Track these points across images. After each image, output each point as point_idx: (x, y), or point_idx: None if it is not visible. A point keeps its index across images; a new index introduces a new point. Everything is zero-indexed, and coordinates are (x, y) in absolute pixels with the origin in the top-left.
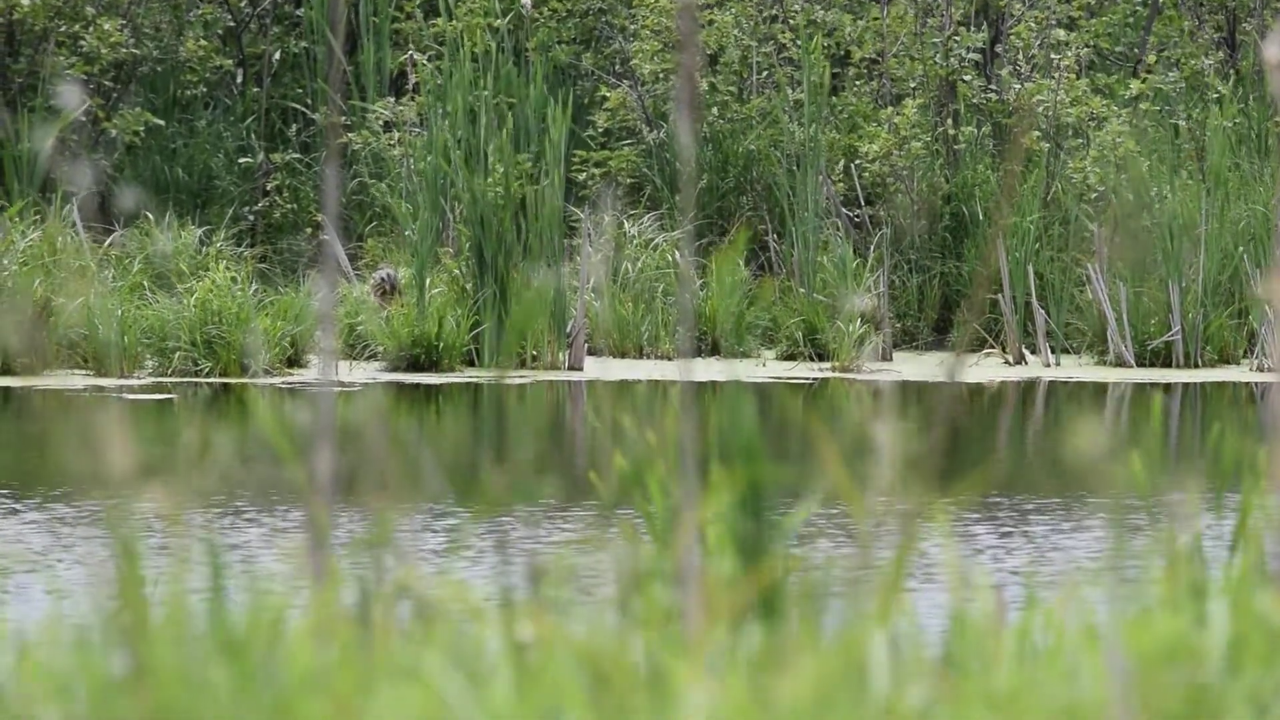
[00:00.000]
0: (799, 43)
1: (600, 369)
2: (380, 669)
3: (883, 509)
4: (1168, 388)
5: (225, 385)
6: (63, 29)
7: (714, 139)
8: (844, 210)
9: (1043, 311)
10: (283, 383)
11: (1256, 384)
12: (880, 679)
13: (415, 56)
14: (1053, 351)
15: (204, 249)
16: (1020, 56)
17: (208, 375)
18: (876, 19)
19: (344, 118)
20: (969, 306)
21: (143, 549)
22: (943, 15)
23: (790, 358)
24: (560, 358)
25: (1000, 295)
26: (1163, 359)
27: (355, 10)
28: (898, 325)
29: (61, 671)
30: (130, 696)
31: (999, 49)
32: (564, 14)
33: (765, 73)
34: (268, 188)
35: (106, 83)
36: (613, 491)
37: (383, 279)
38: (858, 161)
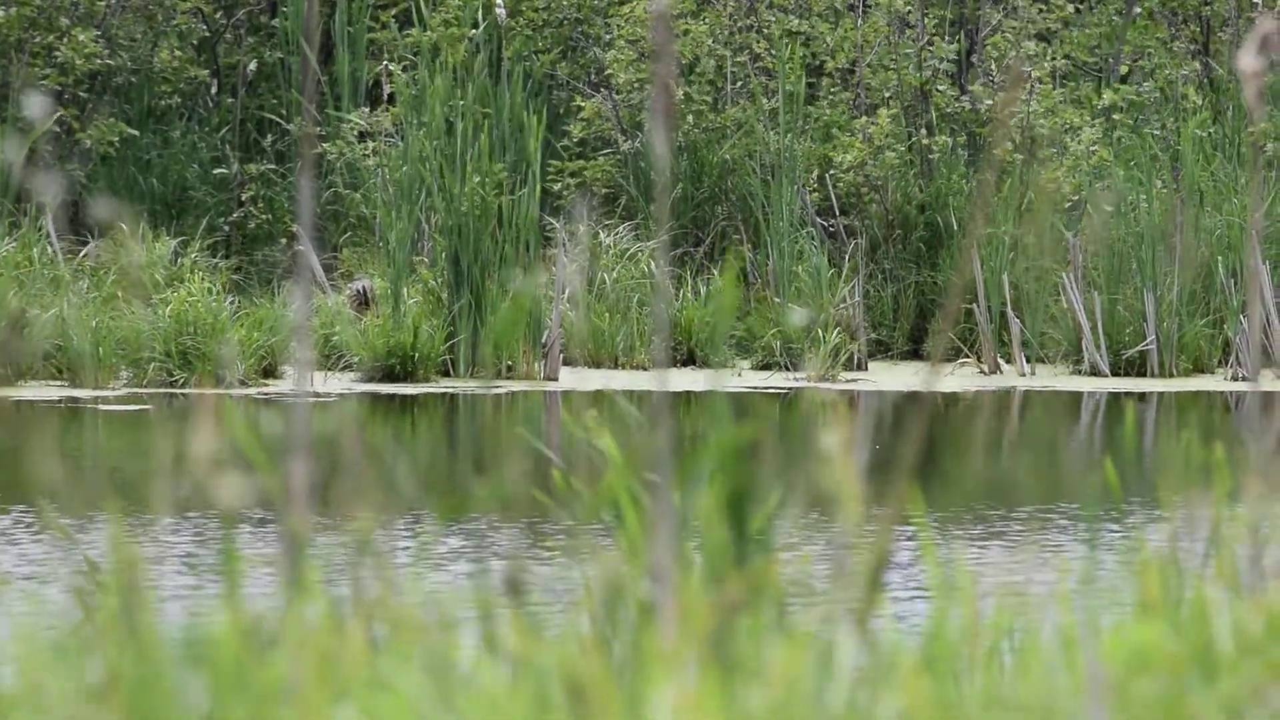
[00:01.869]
0: (774, 52)
1: (576, 379)
2: (354, 679)
3: (859, 516)
4: (1143, 397)
5: (200, 396)
6: (37, 40)
7: (689, 148)
8: (819, 220)
9: (1017, 321)
10: (258, 393)
11: (1231, 393)
12: (853, 685)
13: (390, 67)
14: (1028, 361)
15: (179, 260)
16: (994, 67)
17: (183, 386)
18: (852, 29)
19: (319, 128)
20: (944, 316)
21: (121, 558)
22: (917, 25)
23: (766, 368)
24: (536, 368)
25: (975, 305)
26: (1137, 368)
27: (330, 21)
28: (872, 335)
29: (35, 682)
30: (103, 706)
31: (973, 59)
32: (540, 24)
33: (740, 82)
34: (243, 198)
35: (81, 93)
36: (586, 501)
37: (359, 291)
38: (832, 171)
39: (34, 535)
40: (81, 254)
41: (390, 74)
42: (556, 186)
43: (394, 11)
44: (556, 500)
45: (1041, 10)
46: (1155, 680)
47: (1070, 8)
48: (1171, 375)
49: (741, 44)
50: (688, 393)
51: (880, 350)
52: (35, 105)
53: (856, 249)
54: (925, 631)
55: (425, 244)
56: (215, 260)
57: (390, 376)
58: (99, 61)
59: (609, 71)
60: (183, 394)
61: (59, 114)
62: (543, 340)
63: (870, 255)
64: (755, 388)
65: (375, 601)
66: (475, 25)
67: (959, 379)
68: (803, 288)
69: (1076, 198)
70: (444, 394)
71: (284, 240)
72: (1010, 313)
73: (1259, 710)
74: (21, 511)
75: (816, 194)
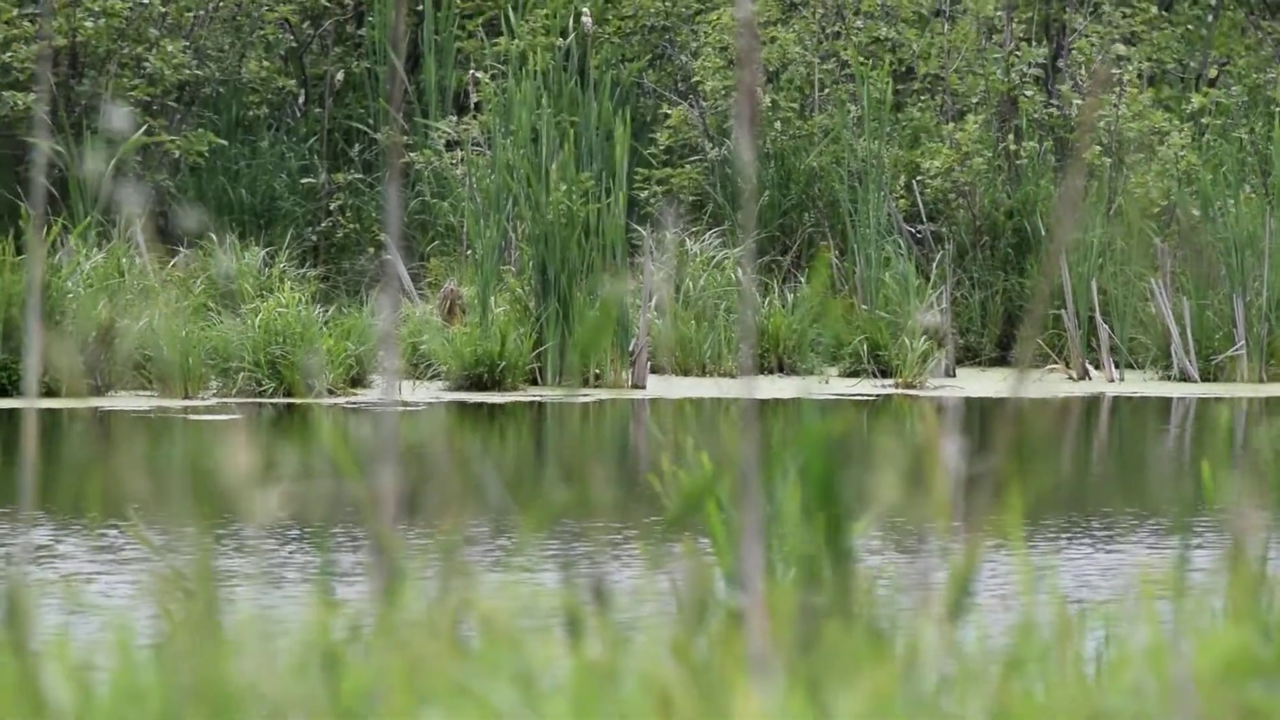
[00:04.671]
0: (861, 59)
1: (663, 387)
2: (438, 686)
3: (949, 523)
4: (1232, 402)
5: (289, 405)
6: (125, 51)
7: (776, 155)
8: (906, 226)
9: (1106, 326)
10: (346, 402)
11: None
12: (941, 692)
13: (477, 75)
14: (1116, 367)
15: (267, 269)
16: (1082, 71)
17: (271, 395)
18: (939, 35)
19: (406, 137)
20: (1031, 322)
21: (213, 567)
22: (1004, 30)
23: (854, 375)
24: (623, 376)
25: (1063, 311)
26: (1227, 374)
27: (417, 29)
28: (961, 341)
29: (124, 688)
30: (191, 710)
31: (1060, 64)
32: (627, 31)
33: (827, 89)
34: (330, 208)
35: (170, 104)
36: (675, 509)
37: (449, 293)
38: (919, 177)
39: (125, 544)
40: (170, 264)
41: (477, 82)
42: (644, 194)
43: (481, 20)
44: (647, 505)
45: (1125, 14)
46: (1245, 688)
47: (1153, 9)
48: (1261, 380)
49: (829, 51)
50: (775, 400)
51: (968, 357)
52: (120, 117)
53: (944, 255)
54: (1013, 637)
55: (512, 253)
56: (303, 270)
57: (478, 385)
58: (187, 72)
59: (696, 79)
60: (271, 403)
61: (146, 125)
62: (630, 348)
63: (958, 262)
64: (843, 395)
65: (462, 607)
66: (563, 34)
67: (1048, 385)
68: (890, 295)
69: (1165, 203)
70: (531, 402)
71: (371, 249)
72: (1099, 318)
73: None
74: (113, 521)
75: (904, 200)
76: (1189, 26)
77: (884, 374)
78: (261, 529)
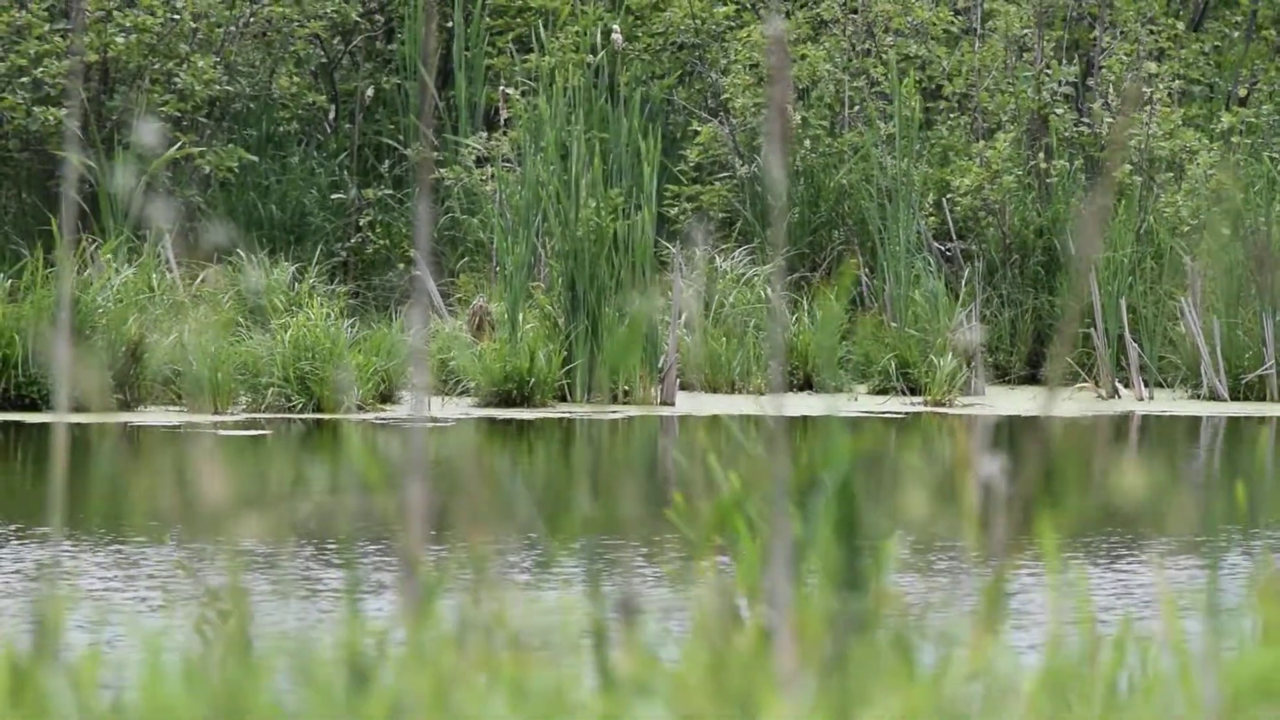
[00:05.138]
0: (891, 76)
1: (692, 404)
2: (468, 702)
3: (978, 543)
4: (1262, 421)
5: (319, 421)
6: (157, 66)
7: (806, 173)
8: (935, 244)
9: (1135, 345)
10: (376, 418)
11: None
12: (970, 713)
13: (508, 92)
14: (1146, 385)
15: (297, 285)
16: (1112, 90)
17: (301, 411)
18: (969, 53)
19: (436, 153)
20: (1061, 340)
21: (242, 583)
22: (1035, 49)
23: (882, 392)
24: (652, 393)
25: (1093, 329)
26: (1257, 392)
27: (448, 46)
28: (990, 359)
29: (154, 702)
30: None
31: (1090, 82)
32: (657, 49)
33: (857, 107)
34: (360, 223)
35: (200, 119)
36: (701, 527)
37: (479, 307)
38: (949, 195)
39: (153, 559)
40: (200, 279)
41: (508, 99)
42: (673, 211)
43: (512, 37)
44: (675, 523)
45: (1151, 32)
46: (1276, 708)
47: (1180, 25)
48: None
49: (859, 69)
50: (804, 417)
51: (998, 375)
52: (150, 133)
53: (973, 273)
54: (1043, 656)
55: (542, 269)
56: (333, 285)
57: (507, 401)
58: (218, 88)
59: (726, 96)
60: (301, 419)
61: (181, 142)
62: (659, 365)
63: (987, 279)
64: (871, 412)
65: (490, 624)
66: (593, 51)
67: (1077, 404)
68: (919, 313)
69: (1195, 222)
70: (560, 419)
71: (401, 265)
72: (1128, 337)
73: None
74: (140, 535)
75: (933, 218)
76: (1216, 44)
77: (913, 391)
78: (284, 544)
